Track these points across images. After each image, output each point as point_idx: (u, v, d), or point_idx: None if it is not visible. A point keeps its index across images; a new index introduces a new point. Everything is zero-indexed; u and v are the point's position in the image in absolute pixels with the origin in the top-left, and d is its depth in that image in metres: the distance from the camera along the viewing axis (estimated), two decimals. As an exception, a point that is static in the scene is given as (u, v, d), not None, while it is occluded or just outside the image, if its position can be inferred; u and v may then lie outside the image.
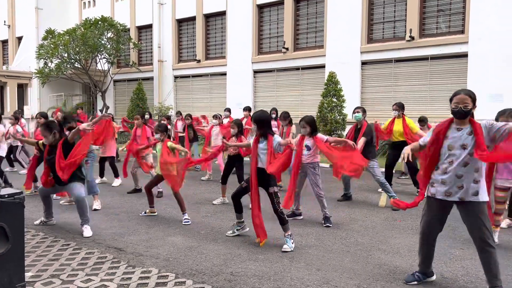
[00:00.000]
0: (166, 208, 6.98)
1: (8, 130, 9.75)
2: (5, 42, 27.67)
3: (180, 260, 4.55)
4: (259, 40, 18.39)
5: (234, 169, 7.41)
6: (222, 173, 7.52)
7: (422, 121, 9.78)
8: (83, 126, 6.07)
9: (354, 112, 7.34)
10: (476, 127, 3.51)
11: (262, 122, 5.06)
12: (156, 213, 6.60)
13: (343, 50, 15.69)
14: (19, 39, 26.16)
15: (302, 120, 6.06)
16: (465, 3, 13.52)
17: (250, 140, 6.51)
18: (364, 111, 7.35)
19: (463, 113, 3.55)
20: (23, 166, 10.72)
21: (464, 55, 13.51)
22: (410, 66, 14.75)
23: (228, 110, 11.91)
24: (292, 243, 4.95)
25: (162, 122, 8.52)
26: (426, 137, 3.91)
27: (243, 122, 10.85)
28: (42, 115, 8.04)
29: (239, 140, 6.96)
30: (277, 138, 5.01)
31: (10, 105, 23.64)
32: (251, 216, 5.10)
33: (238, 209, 5.45)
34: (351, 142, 6.00)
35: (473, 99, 3.57)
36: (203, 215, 6.59)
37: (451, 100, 3.64)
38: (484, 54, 13.02)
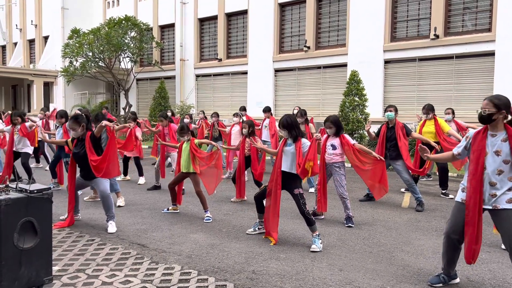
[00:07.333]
0: (188, 205, 7.04)
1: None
2: (32, 41, 28.39)
3: (202, 257, 4.59)
4: (280, 38, 18.35)
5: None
6: (234, 173, 7.53)
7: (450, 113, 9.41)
8: (105, 122, 6.18)
9: (386, 111, 7.21)
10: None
11: (291, 126, 5.05)
12: (178, 211, 6.67)
13: (366, 48, 15.51)
14: (46, 38, 26.82)
15: (327, 121, 6.03)
16: (492, 0, 13.19)
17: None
18: (396, 110, 7.19)
19: (481, 117, 3.50)
20: (48, 162, 10.98)
21: (491, 54, 13.19)
22: (434, 65, 14.48)
23: (244, 109, 11.77)
24: (320, 243, 4.92)
25: (184, 122, 8.67)
26: (459, 147, 3.83)
27: (265, 122, 10.79)
28: (61, 114, 8.11)
29: (253, 140, 7.00)
30: (306, 142, 5.03)
31: (37, 102, 24.26)
32: (265, 212, 5.22)
33: (260, 209, 5.46)
34: (376, 155, 5.94)
35: (496, 105, 3.45)
36: (224, 213, 6.62)
37: None
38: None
